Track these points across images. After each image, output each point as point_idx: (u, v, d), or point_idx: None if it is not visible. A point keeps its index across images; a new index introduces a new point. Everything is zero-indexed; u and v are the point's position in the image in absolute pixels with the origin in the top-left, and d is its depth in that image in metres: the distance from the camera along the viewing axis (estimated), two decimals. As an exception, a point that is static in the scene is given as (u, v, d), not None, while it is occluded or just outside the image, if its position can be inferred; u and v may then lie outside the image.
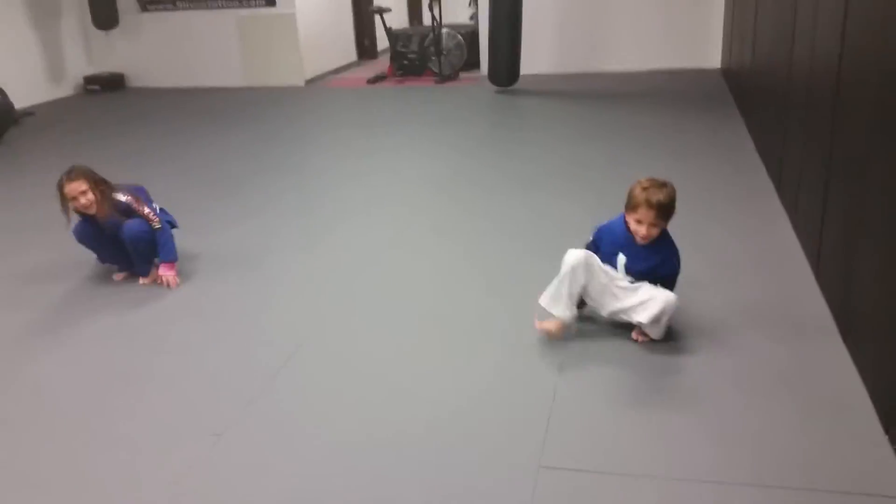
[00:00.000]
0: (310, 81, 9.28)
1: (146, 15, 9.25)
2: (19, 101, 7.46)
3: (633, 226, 2.73)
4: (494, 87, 8.08)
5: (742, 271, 3.40)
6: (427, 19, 12.91)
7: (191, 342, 3.05)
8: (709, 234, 3.82)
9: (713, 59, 8.47)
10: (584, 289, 2.79)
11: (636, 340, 2.79)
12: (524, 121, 6.99)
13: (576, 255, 2.76)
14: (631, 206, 2.72)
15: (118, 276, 3.69)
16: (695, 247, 3.25)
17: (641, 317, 2.70)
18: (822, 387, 2.49)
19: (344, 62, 10.42)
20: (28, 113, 7.81)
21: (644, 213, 2.67)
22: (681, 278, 2.82)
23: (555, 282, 2.79)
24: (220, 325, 3.18)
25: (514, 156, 5.71)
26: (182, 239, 3.81)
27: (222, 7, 9.03)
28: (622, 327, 2.86)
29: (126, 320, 3.28)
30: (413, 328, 3.07)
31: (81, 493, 2.19)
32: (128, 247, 3.53)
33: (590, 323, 2.96)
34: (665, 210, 2.68)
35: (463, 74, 9.16)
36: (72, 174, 3.41)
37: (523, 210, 4.42)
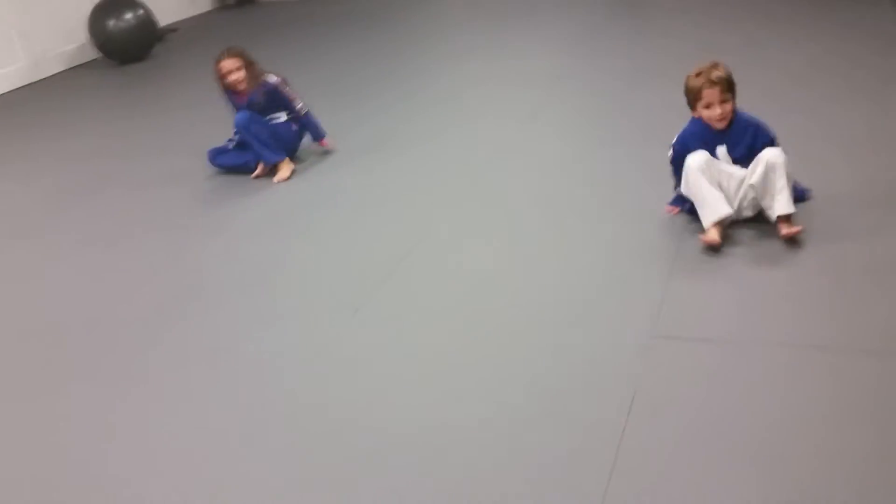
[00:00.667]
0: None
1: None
2: (164, 19, 7.87)
3: (706, 114, 2.71)
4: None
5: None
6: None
7: (328, 229, 3.29)
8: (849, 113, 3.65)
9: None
10: (720, 185, 2.71)
11: (781, 235, 2.64)
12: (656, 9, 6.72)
13: (697, 158, 2.68)
14: (694, 96, 2.72)
15: (258, 172, 3.95)
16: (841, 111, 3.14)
17: (751, 179, 2.64)
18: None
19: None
20: (172, 29, 8.23)
21: (710, 93, 2.66)
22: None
23: (704, 194, 2.67)
24: (358, 214, 3.41)
25: (641, 44, 5.55)
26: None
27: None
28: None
29: (271, 209, 3.57)
30: (529, 212, 3.17)
31: (238, 365, 2.48)
32: (257, 133, 3.82)
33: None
34: (727, 83, 2.67)
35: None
36: (227, 52, 3.86)
37: (658, 92, 4.35)
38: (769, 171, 2.59)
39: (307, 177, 3.90)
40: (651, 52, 5.29)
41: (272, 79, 3.93)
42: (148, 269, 3.19)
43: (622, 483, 1.76)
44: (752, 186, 2.65)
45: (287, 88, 3.96)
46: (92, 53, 7.46)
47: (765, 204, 2.67)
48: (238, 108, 3.91)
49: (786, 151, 2.67)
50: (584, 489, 1.76)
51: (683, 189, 2.76)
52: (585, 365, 2.20)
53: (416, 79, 5.49)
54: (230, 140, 4.02)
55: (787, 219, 2.62)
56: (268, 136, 3.84)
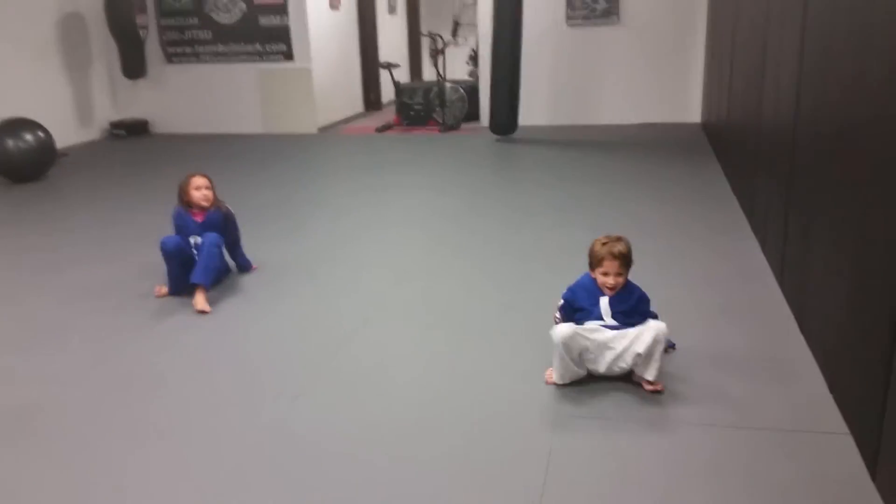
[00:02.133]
0: (322, 129, 10.01)
1: (171, 66, 9.99)
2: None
3: (600, 280, 3.01)
4: (495, 136, 8.81)
5: (722, 283, 4.04)
6: (427, 76, 13.84)
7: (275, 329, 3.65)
8: (693, 255, 4.46)
9: (694, 114, 9.27)
10: (583, 353, 2.94)
11: (647, 390, 2.89)
12: (523, 164, 7.68)
13: (562, 329, 2.90)
14: (596, 261, 3.02)
15: (159, 292, 4.11)
16: (680, 267, 3.88)
17: (638, 348, 2.86)
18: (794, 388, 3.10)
19: (352, 112, 11.19)
20: (63, 154, 8.42)
21: (609, 265, 2.97)
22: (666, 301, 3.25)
23: (556, 361, 2.95)
24: (296, 312, 3.78)
25: (515, 192, 6.39)
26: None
27: (244, 61, 9.78)
28: (619, 380, 3.01)
29: (216, 311, 3.87)
30: (436, 323, 3.68)
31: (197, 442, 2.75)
32: (203, 251, 4.02)
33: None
34: (626, 259, 3.00)
35: (464, 125, 9.90)
36: (198, 173, 4.25)
37: (527, 235, 5.06)
38: (656, 342, 2.85)
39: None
40: (523, 198, 6.11)
41: (226, 208, 4.32)
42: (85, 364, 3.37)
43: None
44: (639, 355, 2.87)
45: (232, 218, 4.36)
46: (-17, 170, 7.51)
47: (639, 369, 2.91)
48: (185, 227, 4.15)
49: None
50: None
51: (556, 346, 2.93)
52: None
53: (303, 209, 6.00)
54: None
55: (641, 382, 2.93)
56: (217, 265, 4.07)
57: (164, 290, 4.14)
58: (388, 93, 12.19)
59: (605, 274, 3.00)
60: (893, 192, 2.24)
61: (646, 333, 2.87)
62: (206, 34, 9.79)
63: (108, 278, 4.46)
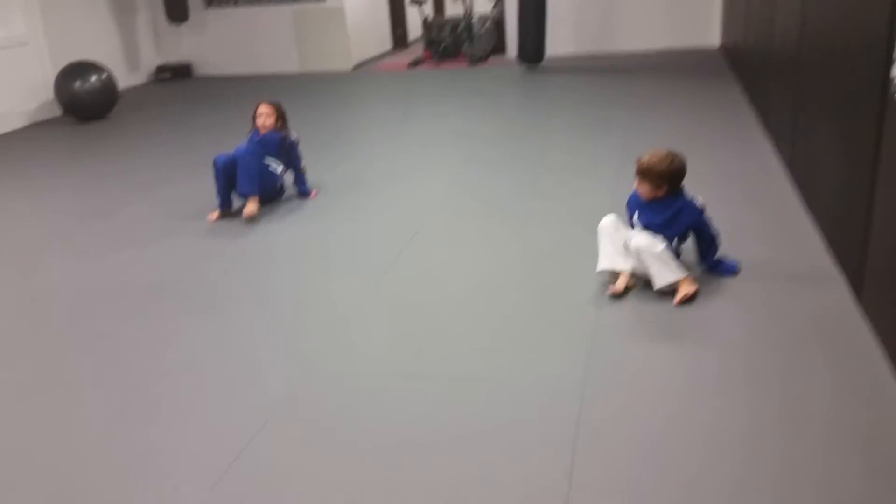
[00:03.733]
0: (356, 67, 10.49)
1: (211, 11, 10.46)
2: (114, 85, 8.64)
3: (636, 187, 3.28)
4: (523, 67, 9.27)
5: (741, 179, 4.59)
6: (450, 11, 14.19)
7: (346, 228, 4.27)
8: (717, 158, 5.00)
9: (713, 38, 9.66)
10: (627, 244, 3.17)
11: (679, 302, 3.08)
12: (551, 91, 8.16)
13: (606, 221, 3.24)
14: (635, 171, 3.26)
15: (213, 216, 4.52)
16: (705, 168, 4.42)
17: (630, 259, 3.15)
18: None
19: (382, 50, 11.64)
20: (118, 96, 8.99)
21: (638, 179, 3.22)
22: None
23: (600, 248, 3.22)
24: (353, 222, 4.40)
25: (544, 115, 6.92)
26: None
27: (279, 2, 10.23)
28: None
29: (294, 218, 4.49)
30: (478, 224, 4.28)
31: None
32: (243, 162, 4.43)
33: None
34: (646, 173, 3.16)
35: (492, 58, 10.34)
36: (267, 101, 4.73)
37: (558, 149, 5.62)
38: (638, 255, 3.11)
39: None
40: (553, 119, 6.64)
41: (293, 135, 4.75)
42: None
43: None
44: (633, 270, 3.18)
45: (296, 144, 4.76)
46: (52, 112, 8.14)
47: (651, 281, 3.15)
48: (249, 141, 4.65)
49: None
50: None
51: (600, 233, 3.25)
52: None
53: (349, 138, 6.56)
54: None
55: (670, 289, 3.10)
56: (255, 173, 4.50)
57: (215, 213, 4.53)
58: (414, 30, 12.62)
59: (637, 184, 3.25)
60: (872, 95, 2.78)
61: (632, 247, 3.11)
62: (243, -23, 10.24)
63: (185, 194, 5.05)
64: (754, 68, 6.30)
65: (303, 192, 4.88)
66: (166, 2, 10.06)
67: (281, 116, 4.70)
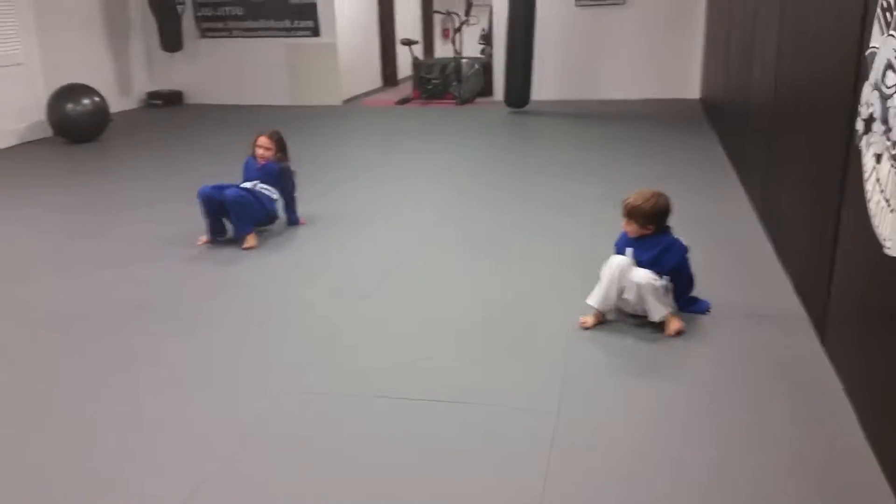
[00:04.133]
0: (346, 101, 10.68)
1: (204, 41, 10.64)
2: (105, 109, 8.74)
3: (624, 227, 3.41)
4: (509, 109, 9.50)
5: (714, 222, 4.76)
6: (439, 53, 14.50)
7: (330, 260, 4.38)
8: (690, 201, 5.16)
9: (693, 90, 9.96)
10: (623, 290, 3.28)
11: (674, 334, 3.24)
12: (536, 133, 8.38)
13: (619, 259, 3.32)
14: (622, 212, 3.39)
15: (202, 241, 4.59)
16: (678, 211, 4.58)
17: (628, 295, 3.26)
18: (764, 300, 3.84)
19: (372, 87, 11.87)
20: (110, 119, 9.09)
21: (625, 218, 3.36)
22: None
23: (603, 284, 3.32)
24: (343, 250, 4.51)
25: (529, 155, 7.10)
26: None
27: (273, 36, 10.44)
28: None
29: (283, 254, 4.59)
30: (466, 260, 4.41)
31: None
32: (237, 207, 4.51)
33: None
34: (630, 212, 3.31)
35: (478, 100, 10.58)
36: (269, 132, 4.83)
37: (542, 188, 5.78)
38: (638, 290, 3.24)
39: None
40: (537, 161, 6.82)
41: (291, 165, 4.88)
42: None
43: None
44: (627, 300, 3.31)
45: (290, 175, 4.86)
46: (44, 132, 8.22)
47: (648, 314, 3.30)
48: (247, 171, 4.76)
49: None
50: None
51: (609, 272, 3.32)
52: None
53: (336, 171, 6.70)
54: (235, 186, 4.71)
55: (663, 323, 3.27)
56: (247, 214, 4.55)
57: (204, 238, 4.61)
58: (403, 69, 12.87)
59: (624, 224, 3.39)
60: (838, 145, 2.96)
61: (632, 284, 3.23)
62: (238, 10, 10.45)
63: (174, 217, 5.13)
64: (731, 119, 6.53)
65: (293, 220, 4.98)
66: (161, 31, 10.23)
67: (281, 148, 4.84)
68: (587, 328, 3.34)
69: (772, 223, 4.36)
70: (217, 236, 4.64)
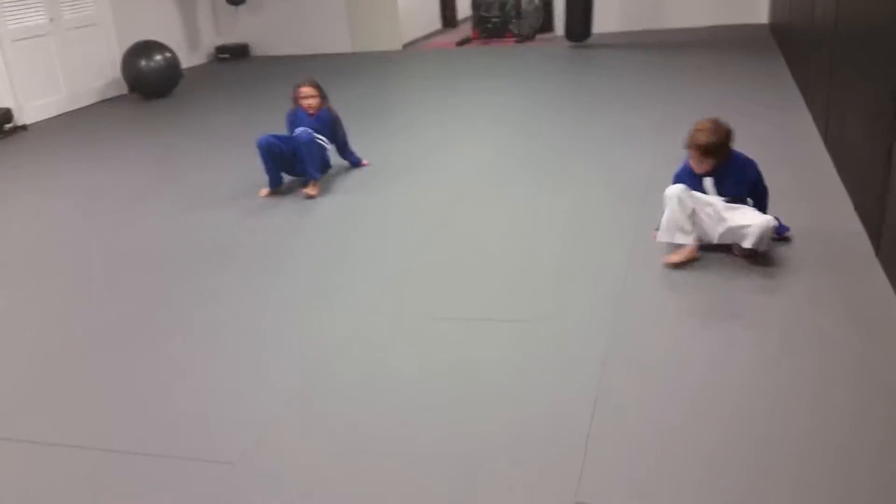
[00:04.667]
0: (406, 45, 10.75)
1: (266, -7, 10.83)
2: (176, 65, 9.05)
3: (691, 162, 3.30)
4: (570, 44, 9.42)
5: (781, 146, 4.74)
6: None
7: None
8: (759, 127, 5.13)
9: (762, 15, 9.66)
10: (693, 216, 3.21)
11: (736, 254, 3.26)
12: (598, 66, 8.31)
13: (676, 187, 3.22)
14: (687, 145, 3.28)
15: (263, 193, 4.70)
16: (747, 133, 4.58)
17: (748, 243, 3.12)
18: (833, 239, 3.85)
19: (431, 29, 11.88)
20: (181, 75, 9.41)
21: (694, 153, 3.25)
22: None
23: (665, 217, 3.24)
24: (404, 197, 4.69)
25: (592, 88, 7.09)
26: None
27: (333, -17, 10.54)
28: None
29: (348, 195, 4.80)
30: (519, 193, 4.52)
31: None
32: (311, 148, 4.60)
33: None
34: (706, 150, 3.20)
35: (539, 36, 10.50)
36: (308, 81, 4.84)
37: (601, 122, 5.80)
38: (761, 239, 3.11)
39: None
40: (600, 92, 6.81)
41: (335, 112, 4.92)
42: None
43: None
44: (741, 246, 3.17)
45: (340, 121, 4.95)
46: (119, 89, 8.61)
47: (738, 240, 3.20)
48: (300, 122, 4.76)
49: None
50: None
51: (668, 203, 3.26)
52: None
53: (402, 112, 6.83)
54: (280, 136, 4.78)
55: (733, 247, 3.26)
56: (318, 158, 4.71)
57: (265, 191, 4.71)
58: (462, 10, 12.80)
59: (692, 158, 3.29)
60: (889, 73, 2.94)
61: (753, 230, 3.10)
62: (297, -40, 10.56)
63: (246, 166, 5.34)
64: (797, 43, 6.38)
65: (354, 161, 5.12)
66: (225, -16, 10.44)
67: (324, 95, 4.85)
68: (674, 265, 3.26)
69: (834, 143, 4.32)
70: (277, 186, 4.75)
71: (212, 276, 3.65)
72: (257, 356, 2.88)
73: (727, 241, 3.23)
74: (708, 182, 3.29)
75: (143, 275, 3.74)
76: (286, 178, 4.86)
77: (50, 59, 7.85)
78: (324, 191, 4.78)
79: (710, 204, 3.23)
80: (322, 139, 4.82)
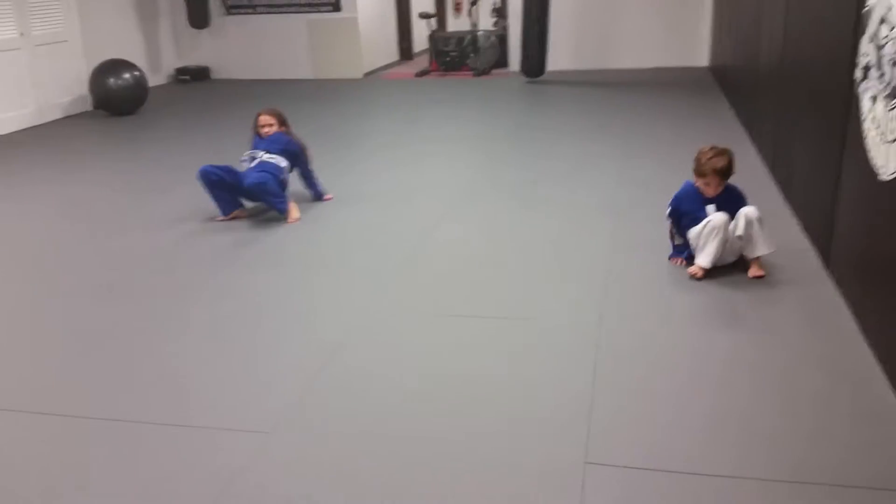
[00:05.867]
0: (367, 74, 11.09)
1: (229, 18, 11.03)
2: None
3: (703, 188, 3.53)
4: (525, 79, 9.90)
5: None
6: (451, 27, 14.86)
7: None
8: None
9: (702, 58, 10.35)
10: (726, 241, 3.44)
11: (750, 276, 3.46)
12: (553, 100, 8.79)
13: (722, 216, 3.43)
14: (699, 172, 3.50)
15: (218, 219, 4.60)
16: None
17: (738, 232, 3.38)
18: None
19: (389, 61, 12.26)
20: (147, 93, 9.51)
21: (712, 178, 3.49)
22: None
23: (714, 246, 3.42)
24: (373, 220, 4.96)
25: (548, 120, 7.53)
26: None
27: (295, 12, 10.83)
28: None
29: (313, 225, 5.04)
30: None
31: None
32: (260, 189, 4.46)
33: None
34: (728, 172, 3.49)
35: (494, 71, 10.97)
36: (267, 110, 4.84)
37: (564, 149, 6.22)
38: (748, 225, 3.38)
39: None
40: (553, 125, 7.25)
41: (300, 140, 4.82)
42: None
43: None
44: (739, 238, 3.40)
45: (306, 152, 4.83)
46: (85, 106, 8.67)
47: (747, 251, 3.47)
48: (255, 146, 4.69)
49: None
50: None
51: (693, 233, 3.51)
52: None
53: (361, 140, 7.13)
54: (242, 160, 4.66)
55: (758, 259, 3.47)
56: (278, 189, 4.51)
57: (220, 217, 4.61)
58: (419, 42, 13.23)
59: (707, 184, 3.52)
60: (839, 95, 3.40)
61: (739, 219, 3.38)
62: (262, -13, 10.84)
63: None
64: (741, 82, 6.95)
65: (317, 194, 4.95)
66: (189, 8, 10.61)
67: (283, 122, 4.83)
68: (699, 278, 3.47)
69: (781, 174, 4.80)
70: (230, 211, 4.64)
71: (217, 276, 3.85)
72: (271, 346, 3.11)
73: (727, 259, 3.52)
74: (711, 207, 3.52)
75: (150, 279, 3.92)
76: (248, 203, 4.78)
77: (20, 73, 7.90)
78: (302, 212, 4.74)
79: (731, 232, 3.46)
80: (273, 158, 4.64)
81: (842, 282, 3.34)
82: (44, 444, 2.53)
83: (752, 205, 3.54)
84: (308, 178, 4.94)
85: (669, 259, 3.72)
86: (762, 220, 3.48)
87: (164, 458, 2.42)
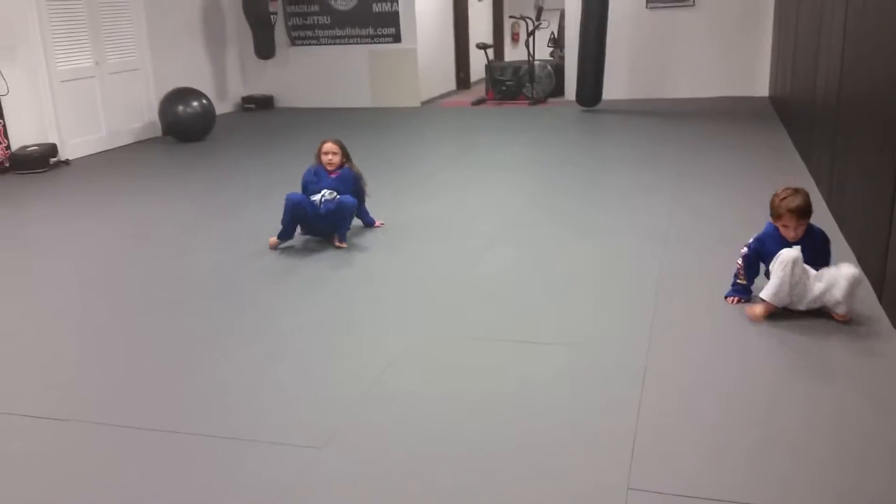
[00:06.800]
0: (424, 103, 11.30)
1: (293, 48, 11.40)
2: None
3: (783, 231, 3.38)
4: (581, 108, 9.96)
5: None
6: (508, 57, 15.04)
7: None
8: (765, 190, 5.58)
9: (762, 88, 10.26)
10: (796, 286, 3.26)
11: (840, 321, 3.29)
12: (608, 129, 8.82)
13: (795, 252, 3.24)
14: (776, 215, 3.37)
15: (272, 242, 4.72)
16: (748, 198, 5.02)
17: (837, 295, 3.21)
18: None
19: (447, 89, 12.47)
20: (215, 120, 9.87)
21: (789, 220, 3.32)
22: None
23: (779, 279, 3.26)
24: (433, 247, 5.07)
25: (602, 149, 7.57)
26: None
27: (357, 43, 11.13)
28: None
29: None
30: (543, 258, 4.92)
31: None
32: (341, 215, 4.68)
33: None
34: (804, 211, 3.31)
35: (550, 100, 11.06)
36: (331, 139, 4.92)
37: (617, 177, 6.25)
38: (852, 288, 3.20)
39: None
40: (610, 154, 7.28)
41: (357, 169, 4.96)
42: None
43: None
44: (838, 302, 3.22)
45: (365, 188, 4.99)
46: (154, 132, 9.05)
47: (836, 308, 3.28)
48: (318, 181, 4.81)
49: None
50: None
51: (770, 267, 3.35)
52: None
53: (420, 166, 7.26)
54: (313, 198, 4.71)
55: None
56: (349, 218, 4.75)
57: (274, 240, 4.73)
58: (476, 72, 13.43)
59: (786, 227, 3.36)
60: (888, 136, 3.39)
61: (841, 281, 3.20)
62: (325, 20, 11.18)
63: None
64: (799, 113, 6.89)
65: (368, 222, 5.11)
66: (256, 39, 11.01)
67: (346, 155, 4.94)
68: (756, 319, 3.36)
69: (836, 204, 4.75)
70: (285, 239, 4.77)
71: (273, 295, 4.00)
72: (324, 363, 3.21)
73: (813, 307, 3.35)
74: (795, 249, 3.33)
75: (218, 292, 4.09)
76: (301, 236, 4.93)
77: (93, 100, 8.31)
78: (357, 238, 4.90)
79: (808, 274, 3.31)
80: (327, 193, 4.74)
81: (893, 315, 3.30)
82: (101, 454, 2.66)
83: (847, 262, 3.38)
84: (361, 207, 5.05)
85: (726, 298, 3.63)
86: (861, 281, 3.31)
87: (216, 470, 2.52)
